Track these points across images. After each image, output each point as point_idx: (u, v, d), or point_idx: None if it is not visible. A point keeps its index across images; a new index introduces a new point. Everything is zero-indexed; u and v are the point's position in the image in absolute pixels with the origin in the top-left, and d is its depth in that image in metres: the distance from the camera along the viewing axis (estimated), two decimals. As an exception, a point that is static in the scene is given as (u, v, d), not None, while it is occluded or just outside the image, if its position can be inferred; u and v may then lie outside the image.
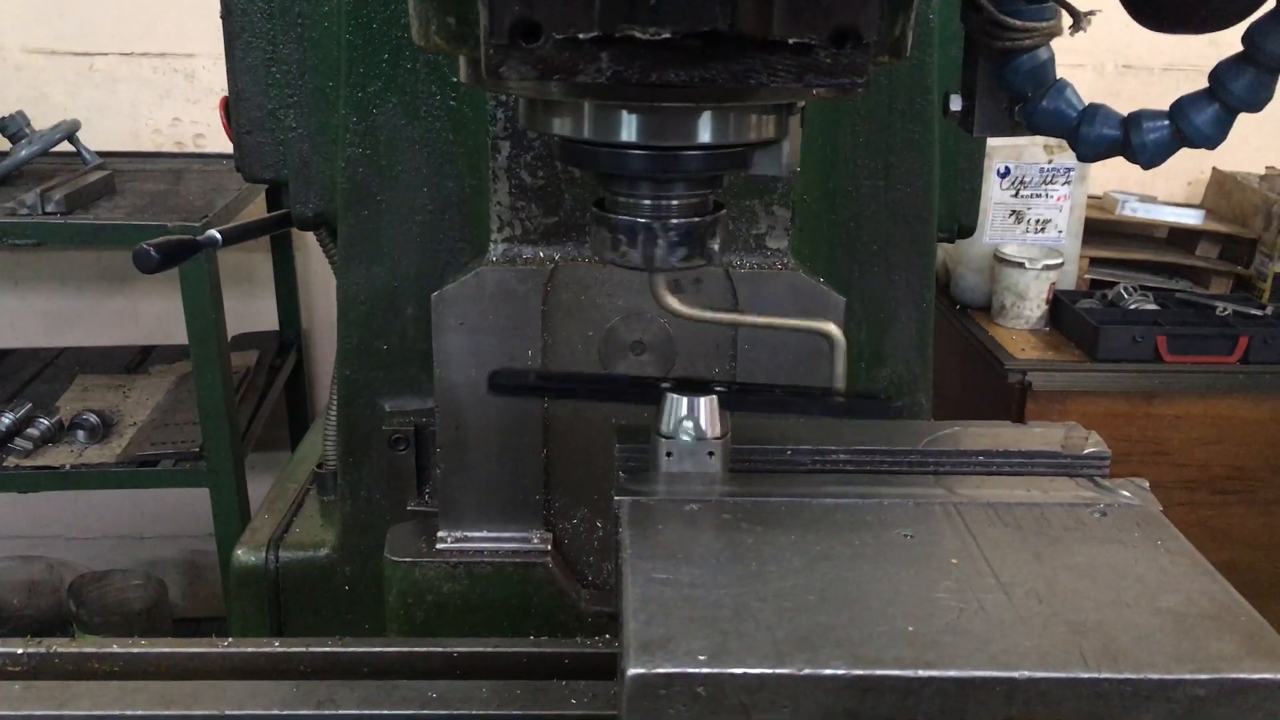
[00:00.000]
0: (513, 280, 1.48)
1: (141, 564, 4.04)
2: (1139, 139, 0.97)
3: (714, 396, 1.19)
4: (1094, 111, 1.00)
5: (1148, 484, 1.16)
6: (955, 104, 1.08)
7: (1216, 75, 0.93)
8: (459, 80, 1.09)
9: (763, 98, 0.93)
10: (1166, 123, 0.97)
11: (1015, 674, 0.86)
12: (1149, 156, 0.97)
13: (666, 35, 0.78)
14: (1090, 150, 1.00)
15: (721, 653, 0.87)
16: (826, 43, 0.80)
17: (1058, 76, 1.03)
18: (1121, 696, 0.86)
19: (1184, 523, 1.11)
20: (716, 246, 1.06)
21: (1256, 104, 0.92)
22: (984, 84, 1.05)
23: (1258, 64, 0.90)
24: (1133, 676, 0.86)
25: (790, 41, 0.79)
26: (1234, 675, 0.86)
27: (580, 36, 0.78)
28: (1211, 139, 0.95)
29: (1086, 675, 0.86)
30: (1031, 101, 1.02)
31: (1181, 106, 0.95)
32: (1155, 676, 0.86)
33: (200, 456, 3.09)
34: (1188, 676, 0.86)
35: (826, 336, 1.28)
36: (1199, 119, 0.94)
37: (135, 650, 1.33)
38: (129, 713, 1.21)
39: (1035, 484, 1.17)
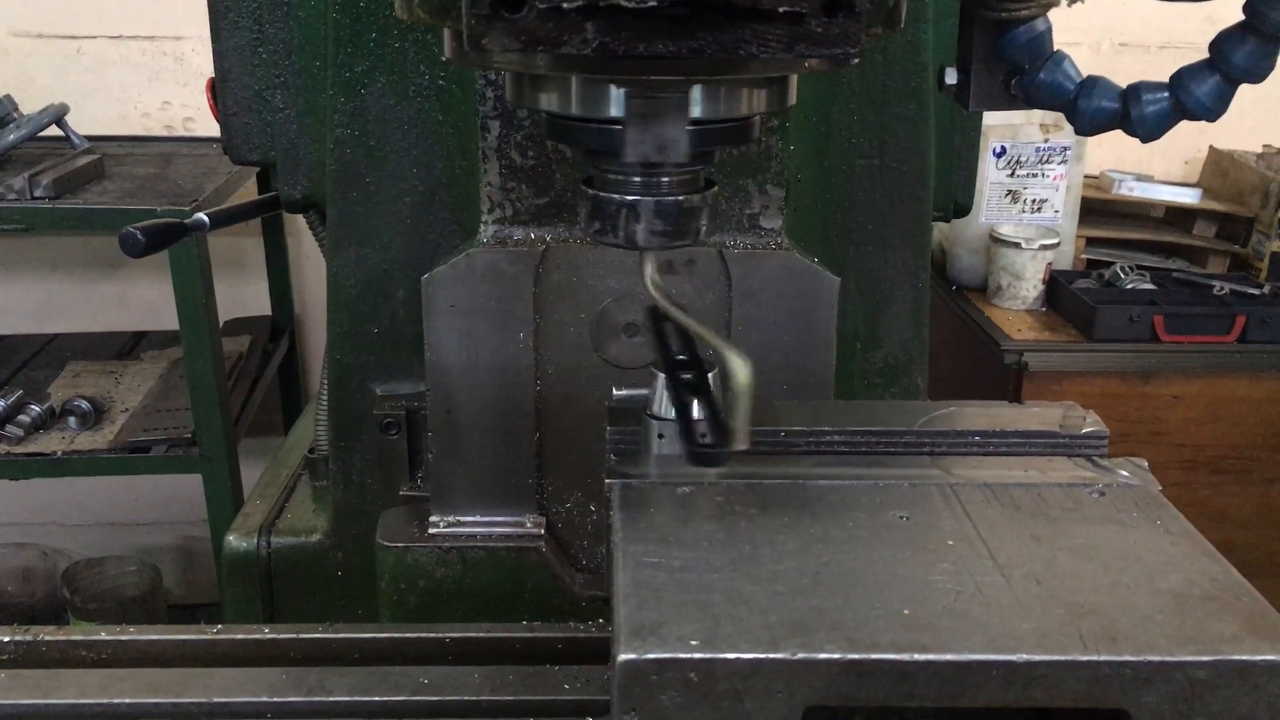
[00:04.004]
0: (504, 262, 1.46)
1: (135, 550, 4.03)
2: (1138, 111, 0.95)
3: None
4: (1092, 84, 0.98)
5: (1147, 463, 1.15)
6: (950, 77, 1.06)
7: (1217, 45, 0.91)
8: (446, 58, 1.07)
9: (753, 70, 0.91)
10: (1166, 95, 0.95)
11: (1014, 657, 0.84)
12: (1148, 129, 0.95)
13: (653, 4, 0.76)
14: (1088, 124, 0.98)
15: (714, 638, 0.85)
16: (818, 12, 0.78)
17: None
18: (1121, 679, 0.84)
19: (1180, 503, 1.10)
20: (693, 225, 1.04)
21: (1258, 74, 0.90)
22: (980, 56, 1.03)
23: (1259, 33, 0.88)
24: (1133, 659, 0.84)
25: (781, 10, 0.77)
26: (1236, 657, 0.85)
27: (564, 6, 0.76)
28: (1212, 111, 0.93)
29: (1086, 658, 0.84)
30: (1029, 74, 1.01)
31: (1181, 78, 0.94)
32: (1156, 658, 0.84)
33: (193, 442, 3.07)
34: (1189, 658, 0.84)
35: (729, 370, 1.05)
36: (1199, 90, 0.93)
37: (123, 638, 1.32)
38: (116, 701, 1.19)
39: (1033, 464, 1.16)
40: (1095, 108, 0.97)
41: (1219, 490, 3.21)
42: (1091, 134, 1.00)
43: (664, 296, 1.11)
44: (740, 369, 1.02)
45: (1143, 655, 0.85)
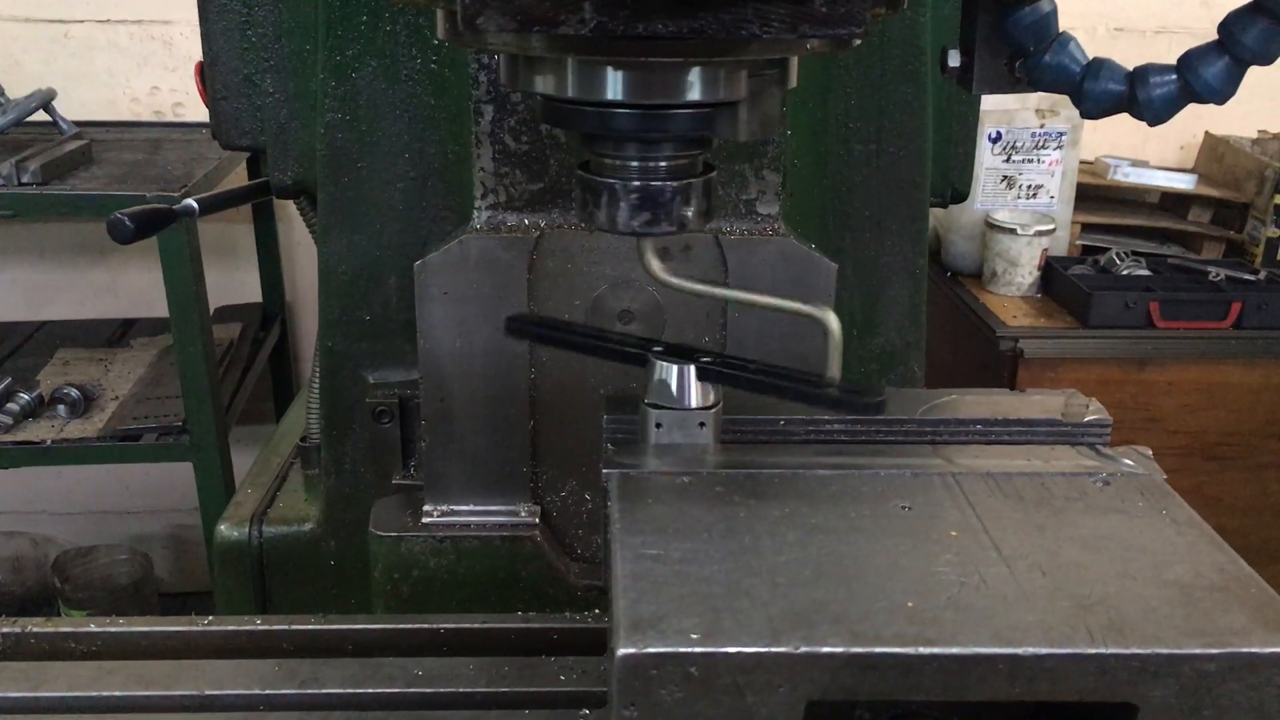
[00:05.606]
0: (497, 248, 1.44)
1: (126, 539, 4.02)
2: (1146, 94, 0.93)
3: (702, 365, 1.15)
4: (1099, 66, 0.96)
5: (1151, 452, 1.13)
6: (954, 59, 1.04)
7: (1227, 26, 0.89)
8: (438, 40, 1.05)
9: (754, 51, 0.89)
10: (1174, 77, 0.93)
11: (1019, 650, 0.83)
12: (1156, 112, 0.93)
13: (653, -18, 0.74)
14: (1095, 107, 0.96)
15: (715, 631, 0.84)
16: (822, -10, 0.76)
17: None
18: (1129, 672, 0.83)
19: (1176, 489, 1.09)
20: (691, 211, 1.02)
21: (1269, 56, 0.88)
22: (983, 38, 1.01)
23: (1270, 14, 0.87)
24: (1140, 651, 0.83)
25: (784, -11, 0.76)
26: (1244, 649, 0.83)
27: (562, -15, 0.74)
28: (1221, 93, 0.91)
29: (1092, 650, 0.83)
30: (1033, 56, 0.99)
31: (1190, 60, 0.92)
32: (1164, 651, 0.83)
33: (183, 430, 3.05)
34: (1197, 651, 0.83)
35: (821, 324, 1.17)
36: (1208, 72, 0.91)
37: (113, 629, 1.30)
38: (106, 693, 1.18)
39: (1035, 453, 1.14)
40: (1102, 90, 0.96)
41: (1214, 477, 3.21)
42: (1097, 117, 0.98)
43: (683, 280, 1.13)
44: (832, 320, 1.14)
45: (1150, 648, 0.83)
